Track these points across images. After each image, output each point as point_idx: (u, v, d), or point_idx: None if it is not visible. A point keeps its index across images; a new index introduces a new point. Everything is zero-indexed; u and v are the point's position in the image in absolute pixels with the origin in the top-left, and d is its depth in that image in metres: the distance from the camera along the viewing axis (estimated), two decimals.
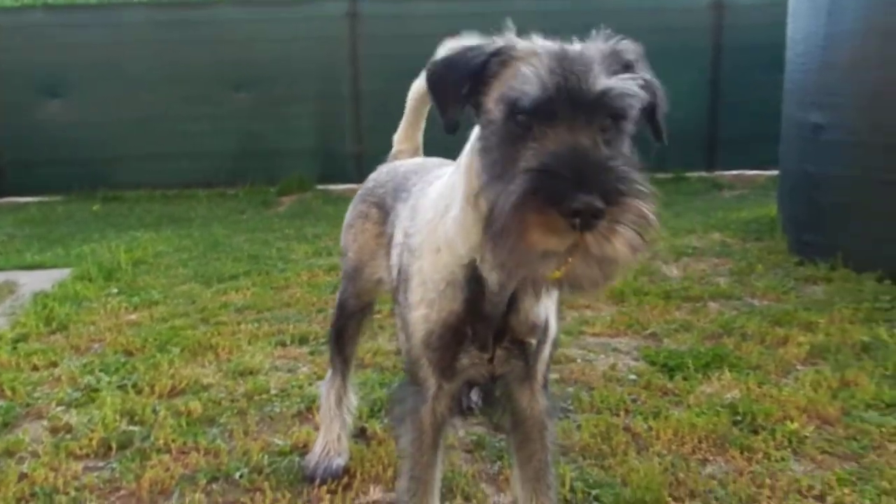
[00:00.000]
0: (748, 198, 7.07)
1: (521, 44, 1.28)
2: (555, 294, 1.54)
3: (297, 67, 8.30)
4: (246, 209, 7.42)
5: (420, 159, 2.12)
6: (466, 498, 2.09)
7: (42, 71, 8.28)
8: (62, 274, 4.67)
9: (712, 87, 8.35)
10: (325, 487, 2.13)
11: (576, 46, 1.27)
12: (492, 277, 1.46)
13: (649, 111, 1.34)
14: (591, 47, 1.27)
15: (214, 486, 2.18)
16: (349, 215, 2.13)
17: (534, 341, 1.55)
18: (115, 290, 4.29)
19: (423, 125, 2.22)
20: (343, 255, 2.17)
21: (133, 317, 3.82)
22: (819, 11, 4.37)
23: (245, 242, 5.67)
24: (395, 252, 1.68)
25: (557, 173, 1.13)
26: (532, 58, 1.23)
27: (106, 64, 8.27)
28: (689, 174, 8.19)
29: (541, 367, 1.62)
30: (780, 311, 3.58)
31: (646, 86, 1.29)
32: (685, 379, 2.86)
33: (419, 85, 2.06)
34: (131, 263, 4.90)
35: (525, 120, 1.21)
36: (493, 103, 1.27)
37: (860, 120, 4.17)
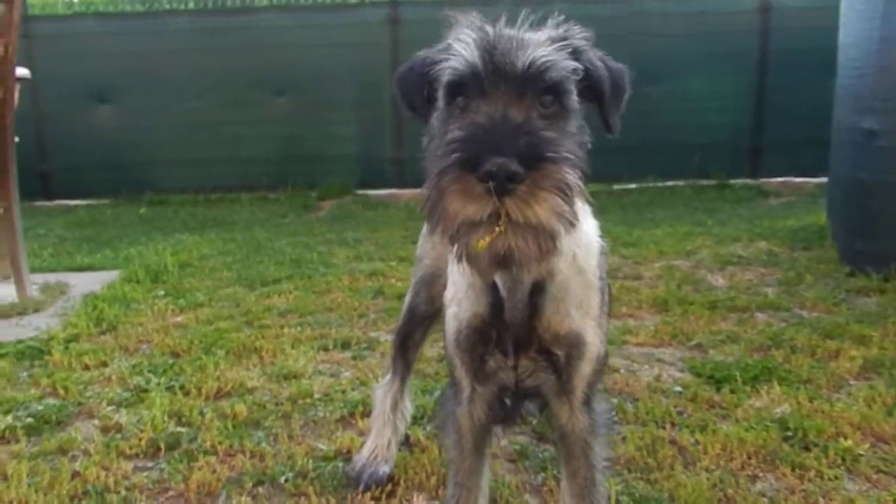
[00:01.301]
0: (795, 205, 6.91)
1: (459, 33, 1.29)
2: (589, 309, 1.50)
3: (339, 73, 8.38)
4: (287, 213, 7.51)
5: None
6: None
7: (91, 77, 8.50)
8: (111, 276, 4.78)
9: (758, 91, 8.17)
10: (368, 494, 2.14)
11: (511, 29, 1.28)
12: (500, 278, 1.45)
13: (597, 98, 1.33)
14: (529, 30, 1.29)
15: (260, 489, 2.20)
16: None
17: (560, 353, 1.51)
18: (162, 293, 4.38)
19: None
20: (418, 262, 2.19)
21: (179, 319, 3.90)
22: (873, 15, 4.26)
23: (287, 246, 5.74)
24: None
25: (475, 140, 1.12)
26: (461, 39, 1.25)
27: (152, 70, 8.46)
28: (733, 181, 8.04)
29: (578, 382, 1.56)
30: (830, 324, 3.48)
31: (591, 69, 1.30)
32: (733, 392, 2.80)
33: None
34: (177, 266, 4.99)
35: (462, 101, 1.23)
36: (439, 95, 1.31)
37: None
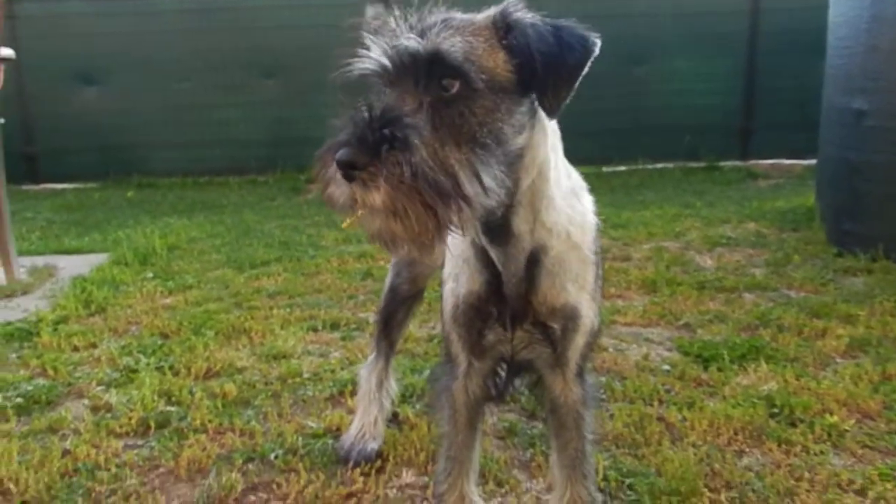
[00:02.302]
0: (784, 187, 6.94)
1: (367, 30, 1.33)
2: (584, 283, 1.52)
3: (327, 55, 8.28)
4: (276, 196, 7.48)
5: None
6: (499, 484, 2.09)
7: (75, 59, 8.39)
8: (99, 259, 4.75)
9: (747, 73, 8.16)
10: (358, 470, 2.15)
11: (419, 18, 1.29)
12: (491, 253, 1.47)
13: (528, 77, 1.28)
14: (439, 16, 1.29)
15: (250, 466, 2.21)
16: None
17: (556, 326, 1.53)
18: (151, 275, 4.36)
19: None
20: None
21: (168, 301, 3.88)
22: None
23: (276, 229, 5.72)
24: None
25: (339, 130, 1.22)
26: (368, 39, 1.30)
27: (138, 52, 8.35)
28: (722, 163, 8.06)
29: (572, 355, 1.59)
30: (818, 303, 3.51)
31: (517, 46, 1.26)
32: (720, 370, 2.82)
33: None
34: (166, 249, 4.97)
35: (378, 90, 1.30)
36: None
37: None
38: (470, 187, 1.21)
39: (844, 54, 4.47)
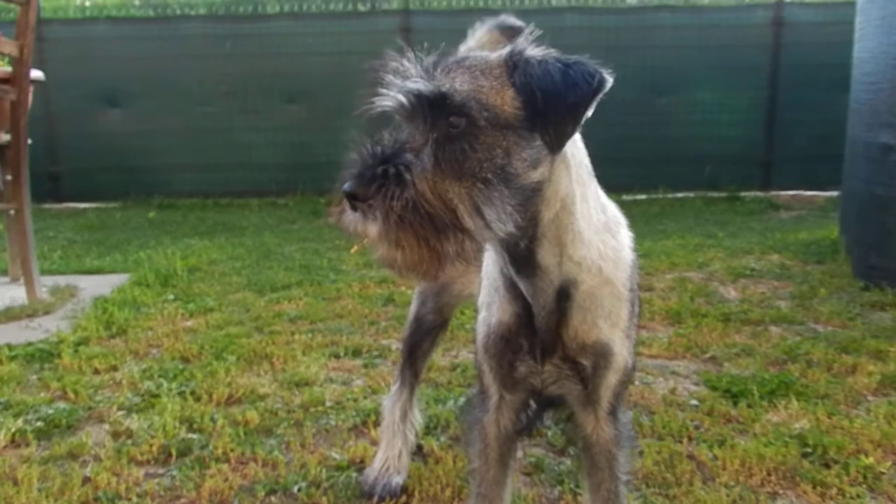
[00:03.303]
0: (807, 219, 6.87)
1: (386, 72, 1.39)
2: (618, 320, 1.50)
3: (349, 80, 8.37)
4: (297, 219, 7.50)
5: None
6: None
7: (101, 81, 8.53)
8: (120, 279, 4.77)
9: (769, 105, 8.15)
10: None
11: (431, 62, 1.34)
12: (520, 284, 1.47)
13: (533, 115, 1.29)
14: (455, 57, 1.35)
15: (273, 498, 2.17)
16: None
17: (586, 363, 1.50)
18: (172, 297, 4.36)
19: None
20: None
21: (189, 323, 3.88)
22: (891, 30, 4.23)
23: (296, 252, 5.73)
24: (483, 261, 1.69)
25: (349, 164, 1.30)
26: (385, 81, 1.36)
27: (163, 75, 8.49)
28: (743, 194, 8.01)
29: (604, 393, 1.56)
30: (846, 338, 3.45)
31: (520, 84, 1.29)
32: (750, 406, 2.76)
33: None
34: (186, 270, 4.98)
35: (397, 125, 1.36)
36: None
37: None
38: (470, 220, 1.25)
39: (871, 90, 4.45)
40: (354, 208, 1.27)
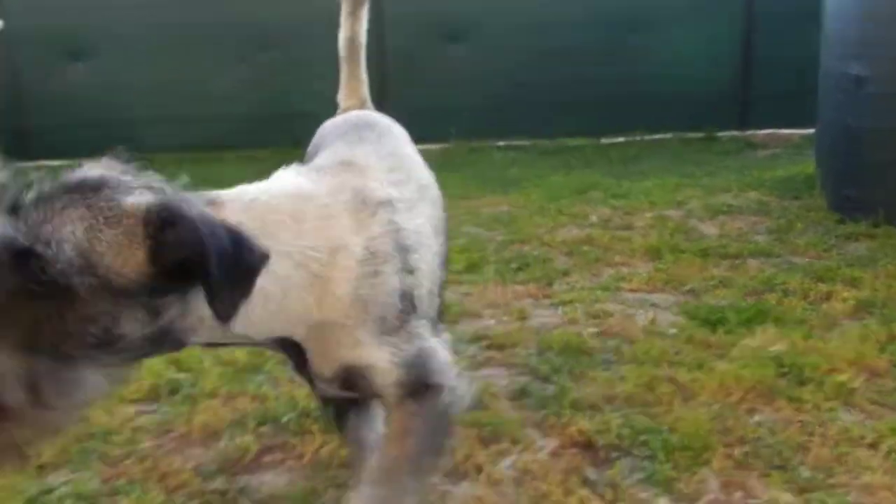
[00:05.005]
0: (783, 156, 6.93)
1: None
2: (357, 343, 1.44)
3: (322, 26, 8.19)
4: (273, 171, 7.41)
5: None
6: (514, 442, 2.10)
7: (64, 34, 8.26)
8: None
9: (745, 42, 8.11)
10: None
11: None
12: None
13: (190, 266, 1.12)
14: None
15: (264, 429, 2.22)
16: None
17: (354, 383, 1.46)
18: None
19: (364, 77, 2.18)
20: None
21: None
22: None
23: None
24: None
25: None
26: None
27: (128, 26, 8.23)
28: (720, 133, 8.04)
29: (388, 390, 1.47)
30: (822, 268, 3.52)
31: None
32: (728, 333, 2.83)
33: (343, 35, 2.11)
34: None
35: None
36: None
37: None
38: (11, 396, 1.04)
39: (841, 20, 4.43)
40: None
